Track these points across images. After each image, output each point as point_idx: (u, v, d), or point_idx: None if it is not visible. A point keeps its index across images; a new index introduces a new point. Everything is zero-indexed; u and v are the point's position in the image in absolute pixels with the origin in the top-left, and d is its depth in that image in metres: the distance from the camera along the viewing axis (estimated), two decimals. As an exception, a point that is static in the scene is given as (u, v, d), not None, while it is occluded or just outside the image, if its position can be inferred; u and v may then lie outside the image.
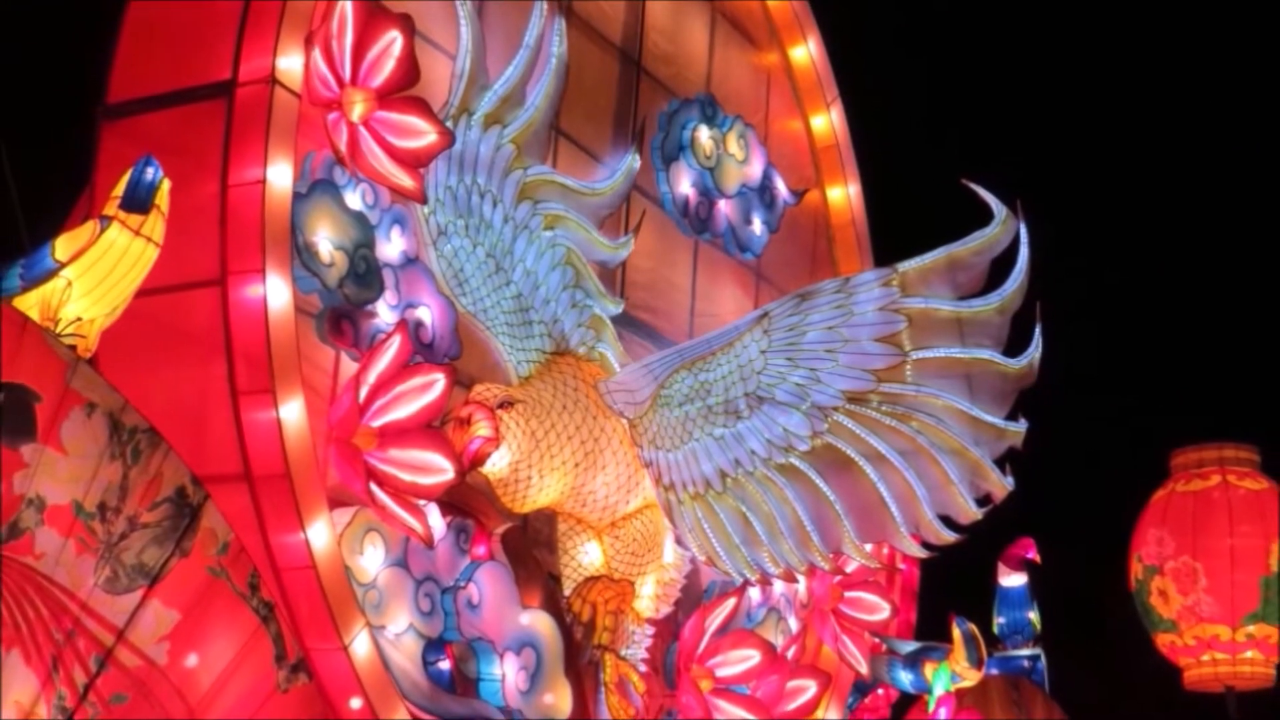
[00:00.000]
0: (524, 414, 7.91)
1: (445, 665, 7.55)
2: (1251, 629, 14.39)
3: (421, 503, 7.17)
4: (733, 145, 10.19)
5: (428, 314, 7.81)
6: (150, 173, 6.08)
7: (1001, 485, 8.38)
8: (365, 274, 7.42)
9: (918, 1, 18.72)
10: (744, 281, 10.49)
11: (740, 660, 8.91)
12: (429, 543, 7.23)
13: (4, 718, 5.24)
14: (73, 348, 5.65)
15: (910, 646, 10.84)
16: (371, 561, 7.28)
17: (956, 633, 10.52)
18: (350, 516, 7.18)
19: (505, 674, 7.68)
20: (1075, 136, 20.51)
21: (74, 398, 5.40)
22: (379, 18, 7.28)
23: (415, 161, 7.41)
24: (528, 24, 8.35)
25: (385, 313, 7.53)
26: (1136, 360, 19.93)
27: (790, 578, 8.61)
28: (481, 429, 7.63)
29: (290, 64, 7.10)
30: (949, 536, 8.37)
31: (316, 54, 7.17)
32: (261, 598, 5.99)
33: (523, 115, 8.25)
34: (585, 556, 8.37)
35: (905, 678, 10.71)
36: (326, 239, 7.28)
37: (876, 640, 10.56)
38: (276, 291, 6.86)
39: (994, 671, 12.03)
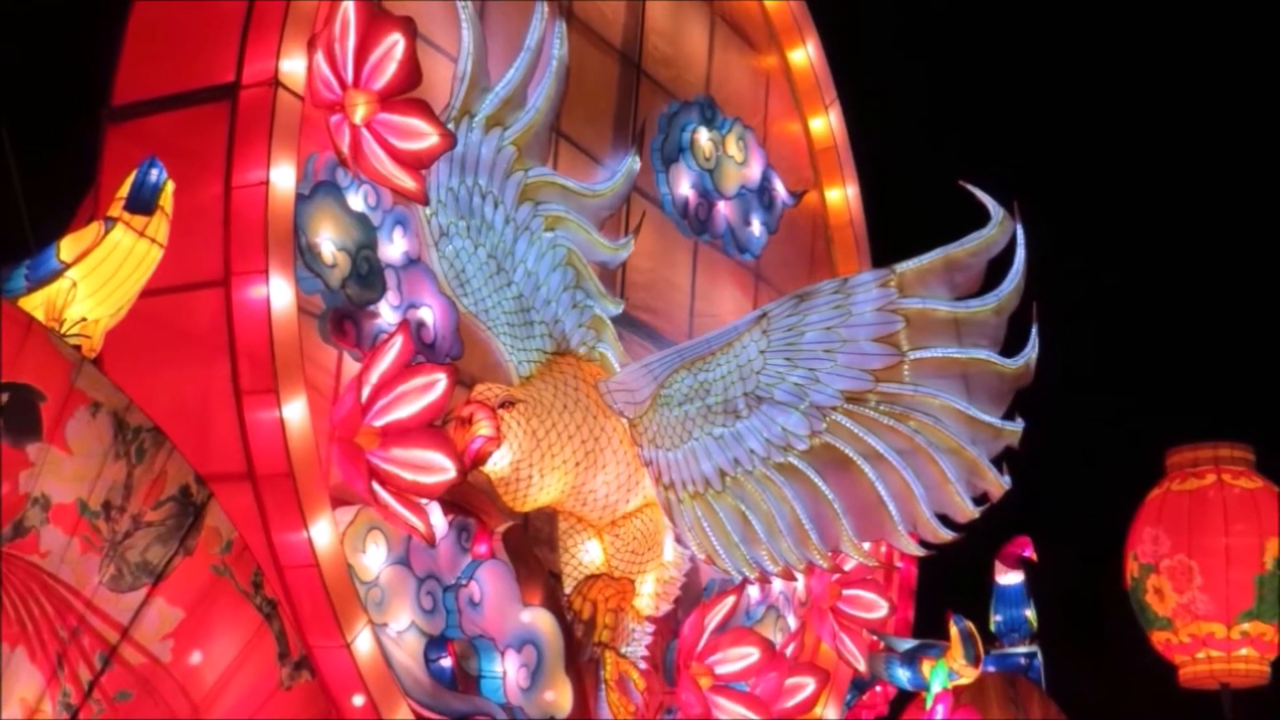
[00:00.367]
0: (525, 413, 7.93)
1: (447, 663, 7.56)
2: (1246, 627, 14.42)
3: (423, 501, 7.18)
4: (732, 147, 10.21)
5: (429, 314, 7.83)
6: (154, 174, 6.10)
7: (998, 484, 8.40)
8: (368, 275, 7.44)
9: (916, 5, 18.77)
10: (743, 282, 10.50)
11: (739, 658, 8.93)
12: (431, 541, 7.24)
13: (9, 715, 5.26)
14: (78, 348, 5.67)
15: (908, 644, 10.88)
16: (374, 560, 7.29)
17: (954, 630, 10.55)
18: (353, 515, 7.19)
19: (506, 671, 7.70)
20: (1072, 139, 20.57)
21: (79, 397, 5.42)
22: (381, 20, 7.29)
23: (417, 163, 7.43)
24: (528, 27, 8.36)
25: (387, 313, 7.55)
26: (1133, 361, 20.00)
27: (789, 576, 8.64)
28: (483, 428, 7.65)
29: (293, 67, 7.11)
30: (946, 535, 8.39)
31: (319, 56, 7.19)
32: (265, 596, 6.00)
33: (524, 117, 8.26)
34: (586, 555, 8.39)
35: (903, 675, 10.74)
36: (329, 240, 7.30)
37: (874, 638, 10.59)
38: (279, 292, 6.88)
39: (991, 669, 12.07)
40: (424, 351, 7.67)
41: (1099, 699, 15.53)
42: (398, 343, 7.16)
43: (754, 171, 10.39)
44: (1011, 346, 8.48)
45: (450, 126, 7.69)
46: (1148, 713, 16.98)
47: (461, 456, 7.42)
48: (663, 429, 8.32)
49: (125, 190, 6.09)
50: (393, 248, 7.71)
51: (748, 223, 10.38)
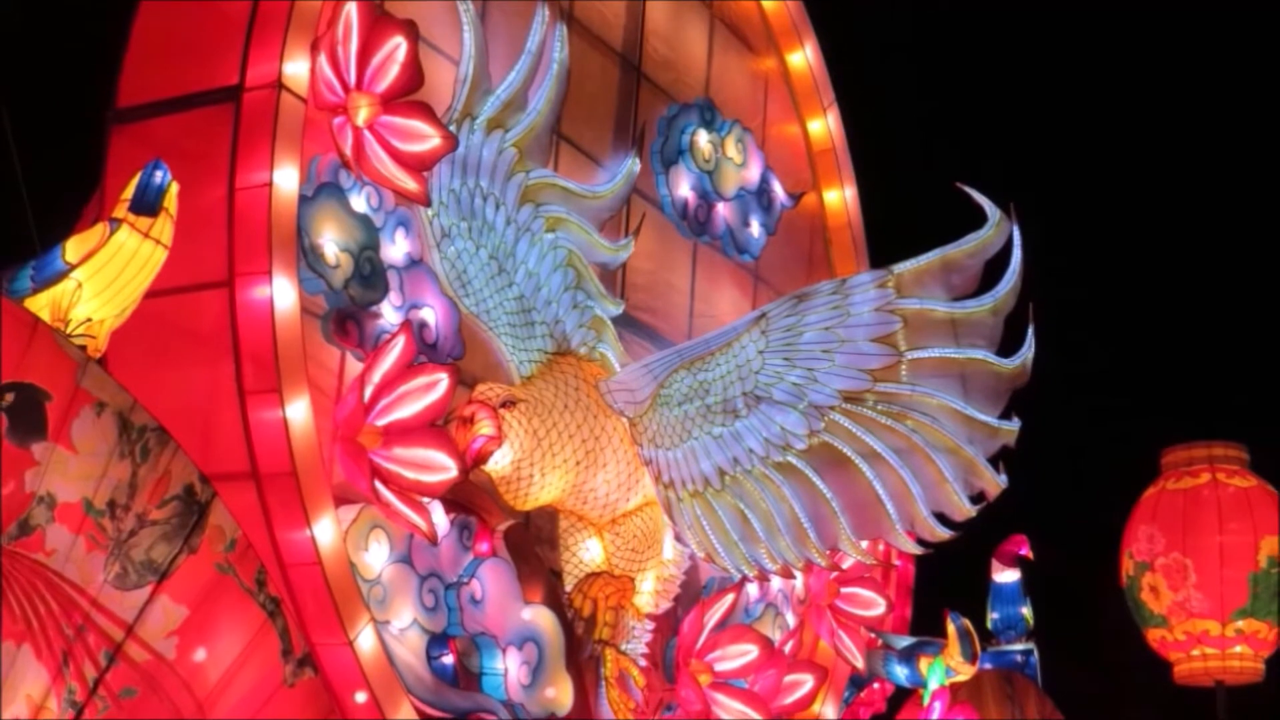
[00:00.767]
0: (526, 413, 7.95)
1: (449, 660, 7.58)
2: (1240, 624, 14.46)
3: (425, 500, 7.21)
4: (731, 149, 10.23)
5: (431, 315, 7.85)
6: (159, 176, 6.12)
7: (995, 483, 8.43)
8: (370, 275, 7.47)
9: (913, 8, 18.80)
10: (742, 283, 10.52)
11: (738, 655, 8.95)
12: (433, 539, 7.26)
13: (15, 712, 5.28)
14: (83, 348, 5.69)
15: (905, 641, 10.92)
16: (376, 558, 7.32)
17: (951, 628, 10.59)
18: (355, 513, 7.21)
19: (508, 668, 7.73)
20: (1068, 141, 20.61)
21: (84, 397, 5.43)
22: (384, 23, 7.30)
23: (419, 165, 7.45)
24: (530, 30, 8.37)
25: (390, 313, 7.57)
26: (1128, 361, 20.04)
27: (787, 574, 8.67)
28: (484, 428, 7.68)
29: (296, 69, 7.13)
30: (944, 533, 8.42)
31: (322, 59, 7.21)
32: (268, 593, 6.02)
33: (525, 120, 8.28)
34: (586, 553, 8.41)
35: (901, 672, 10.78)
36: (332, 241, 7.32)
37: (872, 635, 10.62)
38: (283, 293, 6.90)
39: (988, 666, 12.13)
40: (426, 352, 7.68)
41: (1095, 696, 15.60)
42: (400, 343, 7.19)
43: (753, 173, 10.40)
44: (1008, 346, 8.52)
45: (452, 129, 7.70)
46: (1143, 709, 17.03)
47: (463, 455, 7.43)
48: (662, 428, 8.35)
49: (130, 192, 6.11)
50: (395, 249, 7.74)
51: (747, 224, 10.40)
